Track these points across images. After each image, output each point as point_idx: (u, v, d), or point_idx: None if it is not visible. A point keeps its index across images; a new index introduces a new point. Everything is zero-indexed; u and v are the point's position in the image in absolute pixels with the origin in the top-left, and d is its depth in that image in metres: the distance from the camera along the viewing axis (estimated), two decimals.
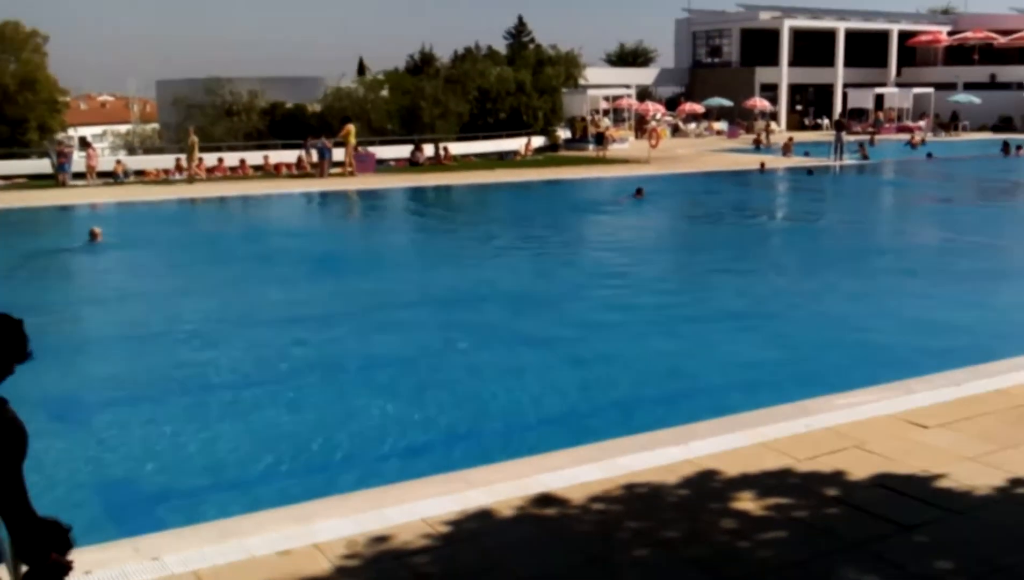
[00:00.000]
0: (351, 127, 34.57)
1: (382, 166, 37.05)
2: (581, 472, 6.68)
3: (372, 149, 37.70)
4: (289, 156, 36.44)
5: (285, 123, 41.16)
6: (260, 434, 8.86)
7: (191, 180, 32.36)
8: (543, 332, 12.92)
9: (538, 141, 44.54)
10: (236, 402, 9.91)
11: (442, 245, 22.09)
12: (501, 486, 6.45)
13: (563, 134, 46.85)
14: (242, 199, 29.71)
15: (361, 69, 54.79)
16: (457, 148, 40.93)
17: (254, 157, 36.07)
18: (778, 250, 21.75)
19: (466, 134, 42.79)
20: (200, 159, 33.35)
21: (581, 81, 49.82)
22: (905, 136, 51.31)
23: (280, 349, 11.98)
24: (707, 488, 6.43)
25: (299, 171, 35.31)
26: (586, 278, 17.46)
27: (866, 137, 45.39)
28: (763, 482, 6.49)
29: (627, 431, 7.74)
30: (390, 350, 11.98)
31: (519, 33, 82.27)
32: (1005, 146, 45.11)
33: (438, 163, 38.68)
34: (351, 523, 5.93)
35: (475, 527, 5.88)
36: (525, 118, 44.81)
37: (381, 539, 5.70)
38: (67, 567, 3.45)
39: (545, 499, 6.25)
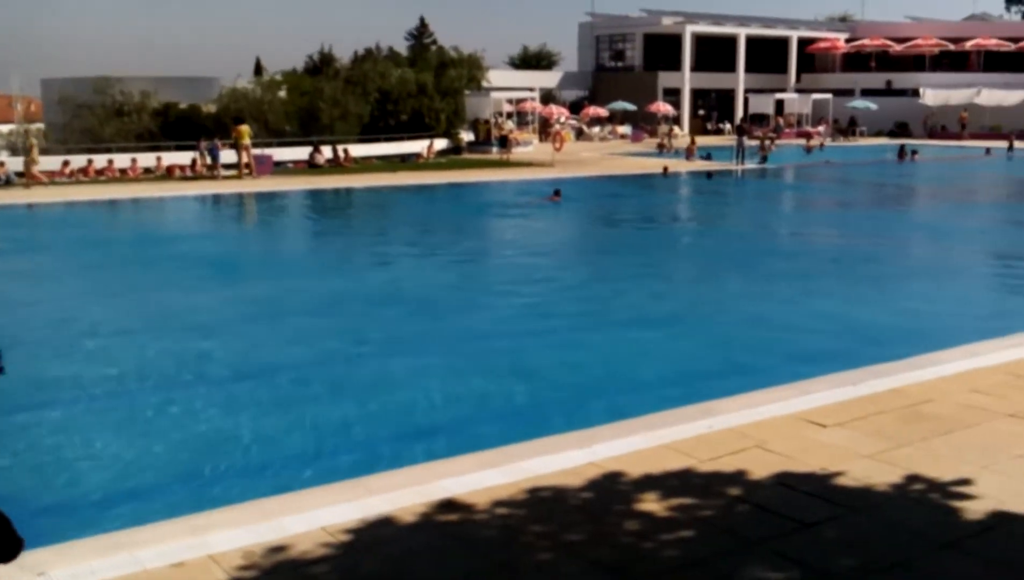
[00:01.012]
0: (244, 128, 34.00)
1: (280, 168, 36.56)
2: (485, 477, 6.68)
3: (269, 151, 37.18)
4: (183, 157, 35.70)
5: (179, 124, 40.30)
6: (149, 444, 8.66)
7: (28, 185, 30.59)
8: (445, 336, 12.92)
9: (441, 144, 44.53)
10: (119, 412, 9.67)
11: (342, 248, 21.90)
12: (403, 492, 6.42)
13: (466, 137, 46.89)
14: (132, 202, 28.96)
15: (258, 69, 54.05)
16: (357, 150, 40.70)
17: (146, 158, 35.22)
18: (682, 253, 22.13)
19: (367, 136, 42.57)
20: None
21: (484, 83, 50.00)
22: (814, 141, 52.75)
23: (164, 357, 11.73)
24: (611, 490, 6.50)
25: (193, 173, 34.60)
26: (490, 282, 17.52)
27: (766, 141, 46.68)
28: (666, 483, 6.60)
29: (530, 435, 7.77)
30: (280, 357, 11.82)
31: (421, 34, 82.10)
32: (900, 151, 46.90)
33: (338, 165, 38.36)
34: (247, 533, 5.82)
35: (377, 535, 5.84)
36: (427, 120, 44.75)
37: (279, 549, 5.62)
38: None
39: (448, 504, 6.24)
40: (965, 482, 6.56)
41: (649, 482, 6.61)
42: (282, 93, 42.92)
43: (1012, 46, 64.14)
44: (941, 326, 13.49)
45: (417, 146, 42.89)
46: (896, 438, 7.45)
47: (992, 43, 64.67)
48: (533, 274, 17.84)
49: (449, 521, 6.02)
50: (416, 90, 44.70)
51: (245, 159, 33.81)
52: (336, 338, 12.85)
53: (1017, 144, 51.39)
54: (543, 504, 6.28)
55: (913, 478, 6.66)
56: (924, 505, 6.28)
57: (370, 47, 48.09)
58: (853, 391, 8.67)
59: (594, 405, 9.60)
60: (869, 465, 6.90)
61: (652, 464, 6.93)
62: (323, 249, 22.33)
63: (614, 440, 7.45)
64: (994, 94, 60.66)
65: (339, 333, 13.14)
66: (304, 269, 19.04)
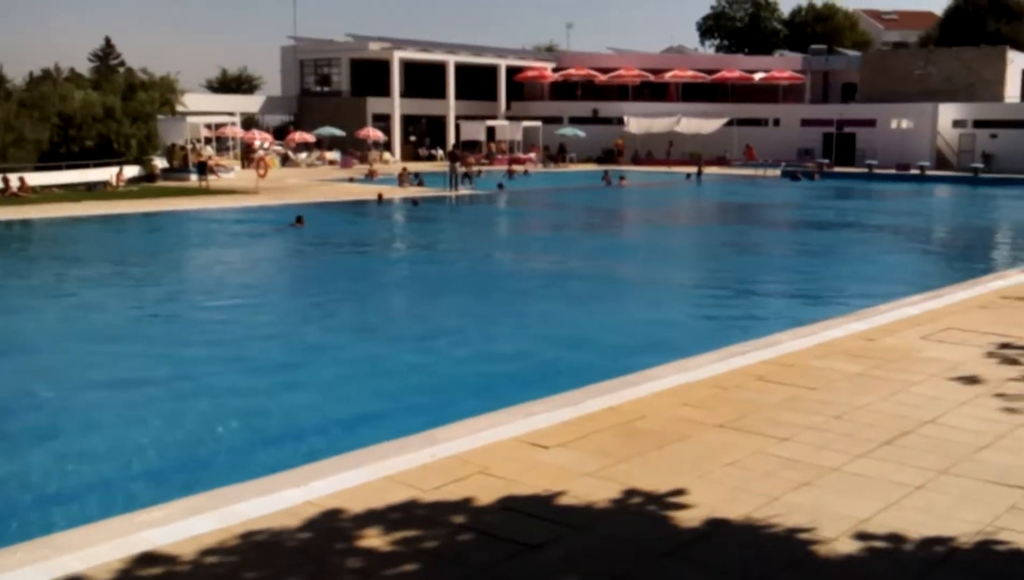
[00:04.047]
0: None
1: None
2: (191, 524, 6.37)
3: None
4: None
5: None
6: None
7: None
8: (141, 371, 12.32)
9: (132, 171, 42.53)
10: None
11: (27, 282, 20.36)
12: (97, 548, 5.99)
13: (160, 163, 45.10)
14: None
15: None
16: (36, 179, 38.15)
17: None
18: (391, 279, 22.34)
19: (46, 164, 40.01)
20: None
21: (180, 107, 48.41)
22: (518, 167, 54.87)
23: None
24: (331, 528, 6.39)
25: None
26: (187, 316, 16.87)
27: (476, 169, 48.40)
28: (389, 516, 6.57)
29: (242, 476, 7.52)
30: None
31: (107, 55, 78.25)
32: (605, 177, 50.07)
33: (13, 195, 35.82)
34: None
35: None
36: (116, 146, 42.70)
37: None
38: None
39: (149, 558, 5.89)
40: (680, 492, 6.98)
41: (371, 517, 6.55)
42: None
43: (707, 77, 69.89)
44: (651, 342, 14.32)
45: (105, 174, 40.74)
46: (615, 454, 7.81)
47: (689, 75, 70.22)
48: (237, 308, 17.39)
49: (150, 576, 5.69)
50: (103, 114, 42.60)
51: None
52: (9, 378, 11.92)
53: (708, 169, 56.20)
54: (258, 549, 6.07)
55: (632, 492, 7.01)
56: (643, 517, 6.62)
57: (48, 68, 45.37)
58: (574, 411, 9.02)
59: (310, 439, 9.45)
60: (590, 482, 7.19)
61: (374, 498, 6.88)
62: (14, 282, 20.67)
63: (333, 475, 7.33)
64: (692, 122, 65.70)
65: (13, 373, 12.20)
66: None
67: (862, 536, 6.26)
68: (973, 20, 73.15)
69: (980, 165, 56.36)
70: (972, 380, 10.18)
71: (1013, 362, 11.01)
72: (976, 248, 29.93)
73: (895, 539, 6.23)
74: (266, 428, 10.47)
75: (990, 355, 11.36)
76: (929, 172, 56.38)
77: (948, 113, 61.42)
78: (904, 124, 62.31)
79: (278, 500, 6.85)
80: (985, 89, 62.68)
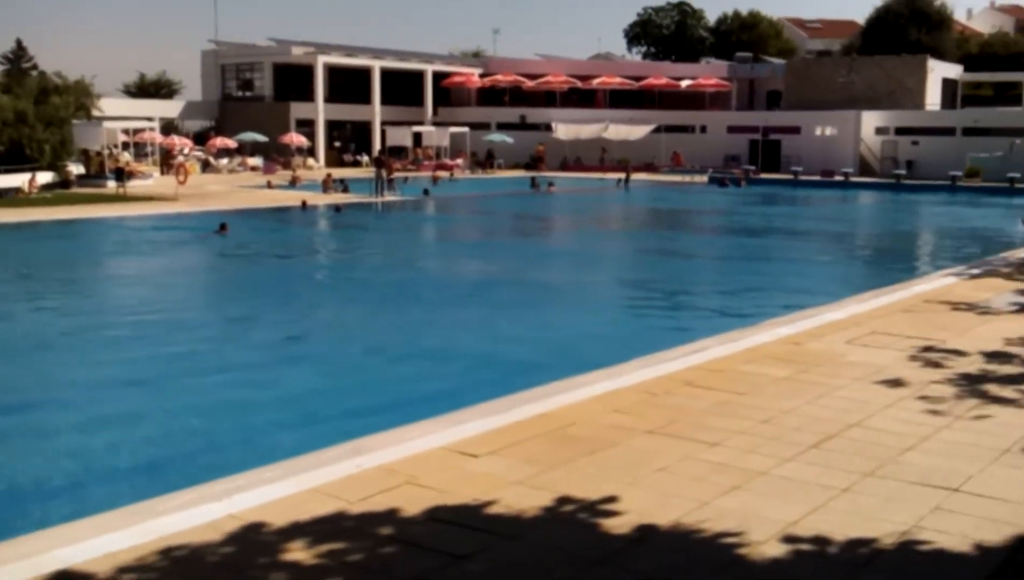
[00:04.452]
0: None
1: None
2: (108, 541, 6.21)
3: None
4: None
5: None
6: None
7: None
8: (46, 388, 12.02)
9: (46, 177, 41.59)
10: None
11: None
12: (6, 569, 5.82)
13: (76, 169, 44.19)
14: None
15: None
16: None
17: None
18: (316, 289, 22.14)
19: None
20: None
21: (96, 112, 47.50)
22: (442, 173, 54.82)
23: None
24: (254, 542, 6.28)
25: None
26: (105, 326, 16.53)
27: (403, 176, 48.33)
28: (315, 529, 6.48)
29: (161, 491, 7.36)
30: None
31: (18, 58, 76.44)
32: (533, 182, 50.28)
33: None
34: None
35: None
36: (28, 152, 41.69)
37: None
38: None
39: (63, 577, 5.73)
40: (611, 499, 7.00)
41: (296, 530, 6.46)
42: None
43: (635, 84, 70.58)
44: (577, 349, 14.37)
45: (17, 180, 39.77)
46: (545, 462, 7.81)
47: (617, 81, 70.84)
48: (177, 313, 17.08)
49: None
50: (14, 119, 41.58)
51: None
52: None
53: (636, 176, 56.75)
54: (178, 565, 5.94)
55: (562, 499, 7.01)
56: (574, 525, 6.62)
57: None
58: (503, 418, 9.00)
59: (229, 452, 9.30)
60: (520, 491, 7.18)
61: (298, 510, 6.78)
62: None
63: (256, 488, 7.22)
64: (620, 129, 66.31)
65: None
66: None
67: (790, 539, 6.34)
68: (894, 29, 74.91)
69: (902, 171, 57.70)
70: (896, 383, 10.39)
71: (936, 365, 11.26)
72: (899, 253, 30.61)
73: (822, 541, 6.32)
74: (180, 443, 10.27)
75: (913, 358, 11.60)
76: (853, 178, 57.60)
77: (871, 120, 62.80)
78: (828, 131, 63.58)
79: (199, 514, 6.72)
80: (907, 97, 64.23)
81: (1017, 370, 11.05)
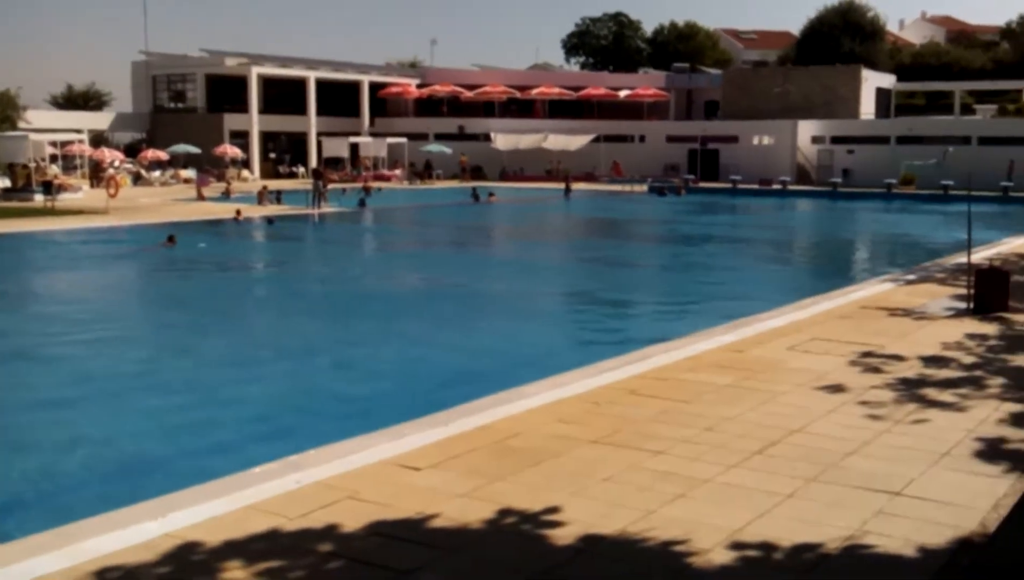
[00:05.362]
0: None
1: None
2: (38, 564, 6.05)
3: None
4: None
5: None
6: None
7: None
8: None
9: None
10: None
11: None
12: None
13: (2, 183, 43.33)
14: None
15: None
16: None
17: None
18: (253, 303, 21.90)
19: None
20: None
21: (22, 124, 46.67)
22: (374, 184, 54.57)
23: None
24: (191, 561, 6.17)
25: None
26: (36, 348, 16.18)
27: (341, 187, 48.08)
28: (253, 547, 6.38)
29: (93, 511, 7.19)
30: None
31: None
32: (474, 193, 50.25)
33: None
34: None
35: None
36: None
37: None
38: None
39: None
40: (556, 510, 6.98)
41: (233, 548, 6.35)
42: None
43: (573, 94, 71.00)
44: (521, 360, 14.35)
45: None
46: (488, 474, 7.77)
47: (555, 91, 71.21)
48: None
49: None
50: None
51: None
52: None
53: (576, 186, 57.01)
54: None
55: (506, 512, 6.98)
56: (518, 537, 6.59)
57: None
58: (445, 431, 8.94)
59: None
60: (464, 504, 7.13)
61: (236, 528, 6.67)
62: None
63: (192, 507, 7.09)
64: (559, 139, 66.59)
65: None
66: None
67: (736, 546, 6.37)
68: (828, 40, 76.23)
69: (838, 180, 58.64)
70: (837, 389, 10.52)
71: (875, 370, 11.42)
72: (837, 260, 31.07)
73: (768, 548, 6.36)
74: (114, 460, 10.08)
75: (853, 364, 11.76)
76: (790, 187, 58.40)
77: (807, 130, 63.79)
78: (765, 140, 64.44)
79: (134, 534, 6.59)
80: (842, 106, 65.36)
81: (954, 374, 11.25)
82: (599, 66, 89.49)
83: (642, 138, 68.37)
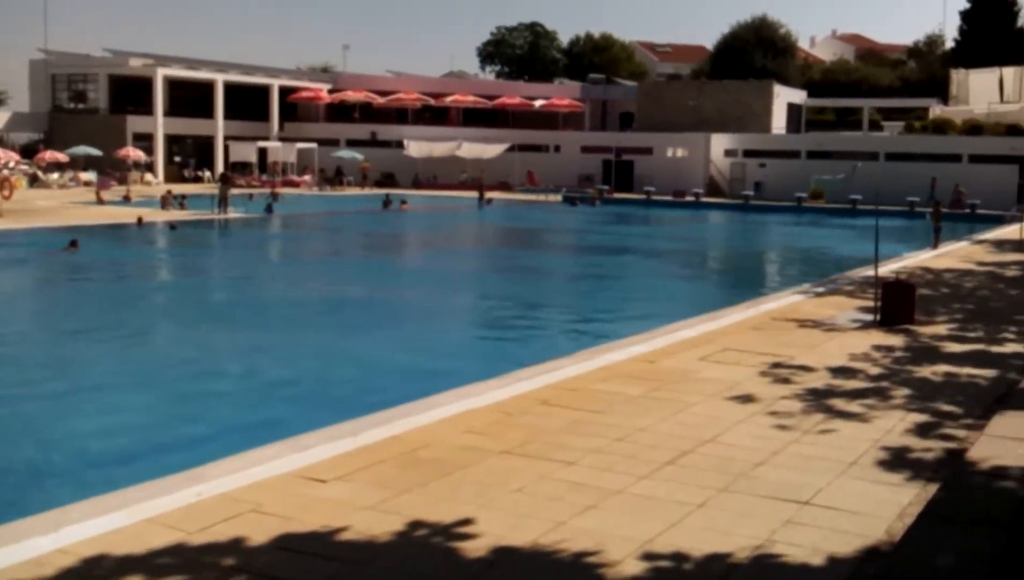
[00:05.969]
0: None
1: None
2: None
3: None
4: None
5: None
6: None
7: None
8: None
9: None
10: None
11: None
12: None
13: None
14: None
15: None
16: None
17: None
18: (149, 310, 21.44)
19: None
20: None
21: None
22: (279, 190, 53.94)
23: None
24: (87, 578, 5.99)
25: None
26: None
27: (246, 192, 47.50)
28: (152, 562, 6.22)
29: None
30: None
31: None
32: (385, 201, 50.05)
33: None
34: None
35: None
36: None
37: None
38: None
39: None
40: (466, 522, 6.95)
41: (132, 564, 6.19)
42: None
43: (488, 103, 71.16)
44: (426, 370, 14.25)
45: None
46: (397, 486, 7.70)
47: (470, 100, 71.33)
48: None
49: None
50: None
51: None
52: None
53: (490, 194, 57.10)
54: None
55: (415, 524, 6.92)
56: (428, 549, 6.53)
57: None
58: (352, 442, 8.84)
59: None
60: (372, 516, 7.05)
61: (134, 543, 6.50)
62: None
63: (87, 521, 6.88)
64: (473, 147, 66.66)
65: None
66: None
67: (647, 556, 6.40)
68: (742, 55, 77.73)
69: (750, 193, 59.72)
70: (747, 399, 10.67)
71: (785, 381, 11.62)
72: (748, 272, 31.60)
73: (679, 558, 6.41)
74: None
75: (763, 374, 11.95)
76: (703, 199, 59.27)
77: (720, 143, 64.86)
78: (679, 152, 65.34)
79: (24, 549, 6.38)
80: (754, 121, 66.62)
81: (861, 385, 11.50)
82: (514, 75, 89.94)
83: (557, 148, 68.80)
